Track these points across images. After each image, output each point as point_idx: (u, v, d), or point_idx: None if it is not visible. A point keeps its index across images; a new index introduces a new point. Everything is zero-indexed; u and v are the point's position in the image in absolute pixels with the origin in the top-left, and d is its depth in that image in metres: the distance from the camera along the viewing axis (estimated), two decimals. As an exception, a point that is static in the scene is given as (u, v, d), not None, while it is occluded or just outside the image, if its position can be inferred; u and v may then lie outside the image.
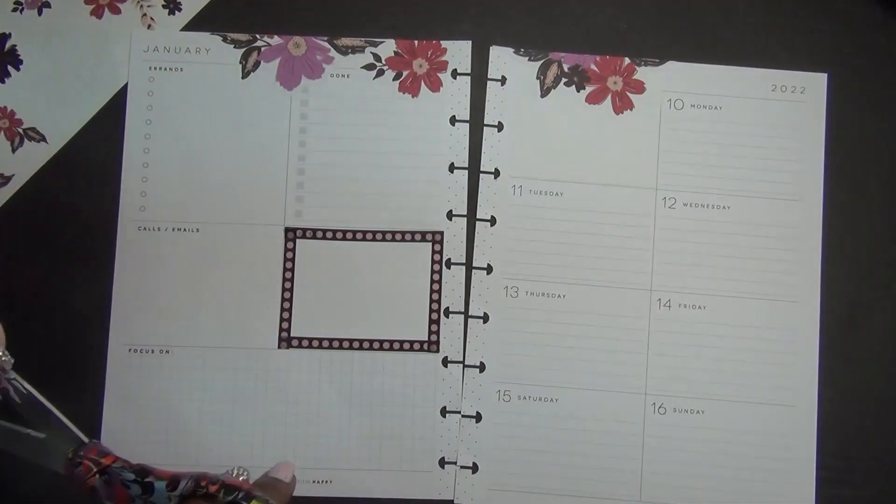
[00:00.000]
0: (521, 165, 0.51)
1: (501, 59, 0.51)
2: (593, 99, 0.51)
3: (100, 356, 0.49)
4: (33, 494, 0.48)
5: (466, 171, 0.50)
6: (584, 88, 0.51)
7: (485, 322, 0.49)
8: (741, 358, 0.49)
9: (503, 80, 0.51)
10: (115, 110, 0.51)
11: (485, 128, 0.51)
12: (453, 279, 0.50)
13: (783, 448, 0.48)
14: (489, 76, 0.51)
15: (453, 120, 0.51)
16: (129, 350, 0.49)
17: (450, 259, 0.50)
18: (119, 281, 0.49)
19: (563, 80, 0.51)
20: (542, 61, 0.51)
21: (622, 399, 0.49)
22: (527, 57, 0.51)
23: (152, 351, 0.49)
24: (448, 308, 0.49)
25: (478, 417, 0.49)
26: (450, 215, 0.50)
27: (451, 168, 0.50)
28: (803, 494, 0.48)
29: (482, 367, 0.49)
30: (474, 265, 0.50)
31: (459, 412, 0.49)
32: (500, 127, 0.51)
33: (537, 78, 0.51)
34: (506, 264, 0.50)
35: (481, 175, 0.50)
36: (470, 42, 0.51)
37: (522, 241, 0.50)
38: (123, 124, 0.50)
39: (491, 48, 0.51)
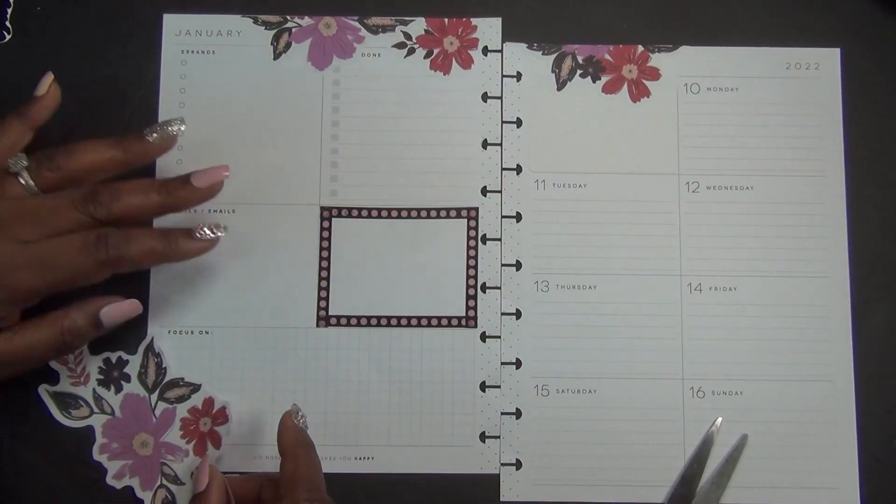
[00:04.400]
0: (542, 160, 0.51)
1: (515, 54, 0.51)
2: (609, 88, 0.51)
3: (139, 338, 0.49)
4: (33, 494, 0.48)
5: (500, 147, 0.51)
6: (600, 79, 0.51)
7: (518, 318, 0.49)
8: (775, 336, 0.49)
9: (518, 76, 0.51)
10: (147, 94, 0.51)
11: (503, 125, 0.51)
12: (489, 255, 0.50)
13: (825, 423, 0.49)
14: (504, 73, 0.51)
15: (485, 97, 0.51)
16: (169, 332, 0.49)
17: (485, 235, 0.50)
18: (156, 262, 0.49)
19: (579, 71, 0.51)
20: (556, 54, 0.51)
21: (660, 385, 0.49)
22: (540, 51, 0.51)
23: (192, 332, 0.49)
24: (485, 283, 0.50)
25: (518, 414, 0.49)
26: (484, 191, 0.50)
27: (484, 144, 0.50)
28: (847, 466, 0.48)
29: (518, 364, 0.49)
30: (503, 262, 0.50)
31: (499, 386, 0.49)
32: (518, 123, 0.51)
33: (552, 71, 0.51)
34: (534, 259, 0.50)
35: (503, 172, 0.50)
36: (500, 19, 0.51)
37: (549, 235, 0.50)
38: (156, 107, 0.50)
39: (504, 44, 0.51)
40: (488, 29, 0.51)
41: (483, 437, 0.49)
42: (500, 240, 0.50)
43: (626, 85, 0.51)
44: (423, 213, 0.50)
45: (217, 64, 0.51)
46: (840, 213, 0.50)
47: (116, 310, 0.44)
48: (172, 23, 0.51)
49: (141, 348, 0.49)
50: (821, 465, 0.48)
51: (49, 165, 0.44)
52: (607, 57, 0.51)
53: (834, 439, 0.49)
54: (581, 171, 0.50)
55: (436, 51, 0.51)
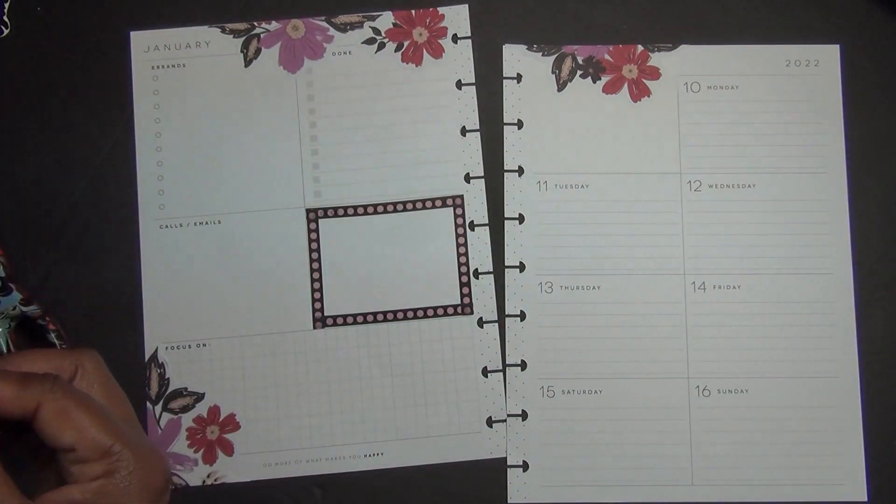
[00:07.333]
0: (544, 161, 0.51)
1: (515, 56, 0.51)
2: (610, 89, 0.51)
3: (138, 356, 0.49)
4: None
5: (479, 133, 0.51)
6: (600, 79, 0.51)
7: (522, 320, 0.49)
8: (780, 334, 0.49)
9: (519, 78, 0.51)
10: (122, 113, 0.50)
11: (505, 127, 0.51)
12: (478, 240, 0.50)
13: (830, 419, 0.49)
14: (504, 75, 0.51)
15: (459, 84, 0.51)
16: (167, 348, 0.49)
17: (472, 221, 0.50)
18: (147, 280, 0.49)
19: (579, 72, 0.51)
20: (555, 55, 0.51)
21: (665, 384, 0.49)
22: (540, 52, 0.51)
23: (189, 346, 0.49)
24: (477, 269, 0.50)
25: (524, 416, 0.49)
26: (467, 178, 0.50)
27: (463, 131, 0.51)
28: (854, 462, 0.48)
29: (524, 366, 0.49)
30: (506, 264, 0.50)
31: (501, 371, 0.49)
32: (519, 125, 0.51)
33: (552, 72, 0.51)
34: (538, 261, 0.50)
35: (505, 174, 0.50)
36: (466, 5, 0.51)
37: (552, 236, 0.50)
38: (133, 126, 0.50)
39: (504, 46, 0.51)
40: (456, 16, 0.52)
41: (489, 421, 0.49)
42: (487, 225, 0.50)
43: (626, 85, 0.51)
44: (409, 206, 0.50)
45: (188, 76, 0.51)
46: (842, 210, 0.50)
47: None
48: (140, 40, 0.51)
49: (145, 360, 0.49)
50: (827, 461, 0.48)
51: None
52: (607, 57, 0.51)
53: (840, 435, 0.49)
54: (583, 172, 0.50)
55: (406, 43, 0.51)
